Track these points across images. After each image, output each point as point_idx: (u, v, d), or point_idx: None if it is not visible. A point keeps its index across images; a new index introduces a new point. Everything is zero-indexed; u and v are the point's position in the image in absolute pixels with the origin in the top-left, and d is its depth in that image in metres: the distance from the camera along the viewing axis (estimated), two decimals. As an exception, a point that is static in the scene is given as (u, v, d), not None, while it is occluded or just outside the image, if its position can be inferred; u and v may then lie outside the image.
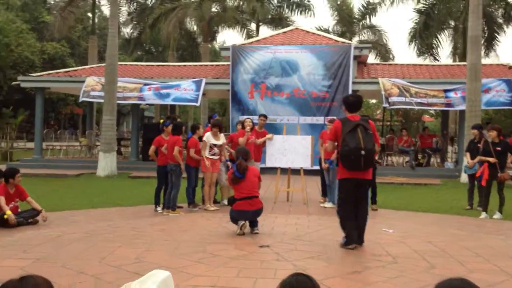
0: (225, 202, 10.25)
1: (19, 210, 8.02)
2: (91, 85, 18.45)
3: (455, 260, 5.95)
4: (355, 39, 32.49)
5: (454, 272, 5.25)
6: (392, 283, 4.96)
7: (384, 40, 33.95)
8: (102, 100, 17.43)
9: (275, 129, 16.67)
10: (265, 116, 11.62)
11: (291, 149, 10.68)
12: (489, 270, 5.54)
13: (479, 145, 10.12)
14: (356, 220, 6.43)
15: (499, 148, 9.38)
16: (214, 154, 9.65)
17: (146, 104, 23.11)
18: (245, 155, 7.47)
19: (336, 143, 6.59)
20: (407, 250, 6.43)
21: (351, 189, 6.43)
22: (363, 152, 6.19)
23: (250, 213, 7.17)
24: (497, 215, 9.32)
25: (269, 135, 10.96)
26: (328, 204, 10.24)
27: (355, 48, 18.25)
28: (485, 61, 22.24)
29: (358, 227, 6.44)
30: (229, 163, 10.07)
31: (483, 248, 6.59)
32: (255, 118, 17.35)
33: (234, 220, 7.27)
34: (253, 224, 7.30)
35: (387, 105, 17.26)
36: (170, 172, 9.23)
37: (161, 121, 10.11)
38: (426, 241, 6.96)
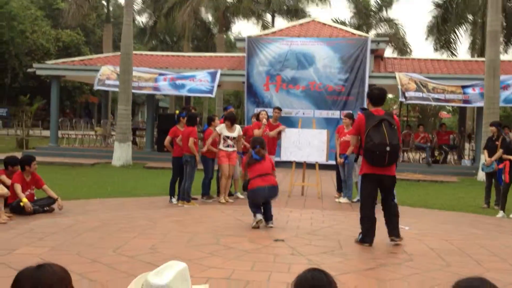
0: (239, 194, 10.26)
1: (35, 198, 8.07)
2: (106, 73, 18.50)
3: (471, 258, 5.89)
4: (372, 32, 32.24)
5: (470, 271, 5.19)
6: (407, 280, 4.92)
7: (402, 34, 33.61)
8: (117, 89, 17.50)
9: (291, 122, 16.61)
10: (280, 109, 11.58)
11: (306, 143, 10.61)
12: (505, 269, 5.49)
13: (497, 142, 9.98)
14: (387, 216, 6.33)
15: None
16: (228, 146, 9.62)
17: (161, 94, 23.15)
18: (261, 144, 7.52)
19: (359, 138, 6.42)
20: (423, 247, 6.36)
21: (373, 185, 6.30)
22: (388, 148, 6.01)
23: (266, 189, 7.12)
24: None
25: (281, 127, 10.88)
26: (343, 200, 10.18)
27: (372, 41, 18.06)
28: (504, 57, 21.92)
29: (391, 223, 6.30)
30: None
31: (499, 248, 6.52)
32: (270, 111, 17.31)
33: (253, 205, 7.20)
34: (268, 218, 7.29)
35: (403, 99, 17.11)
36: (185, 164, 9.21)
37: (177, 112, 10.11)
38: (442, 239, 6.89)
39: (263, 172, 7.21)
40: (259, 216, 7.12)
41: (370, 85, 17.73)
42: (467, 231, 7.66)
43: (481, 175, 13.86)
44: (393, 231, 6.31)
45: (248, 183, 7.27)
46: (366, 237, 6.29)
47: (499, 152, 9.74)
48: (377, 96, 6.44)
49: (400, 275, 5.08)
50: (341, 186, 10.52)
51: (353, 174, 10.21)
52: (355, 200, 10.23)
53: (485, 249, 6.40)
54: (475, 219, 8.88)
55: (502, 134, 10.32)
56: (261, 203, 7.25)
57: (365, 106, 16.18)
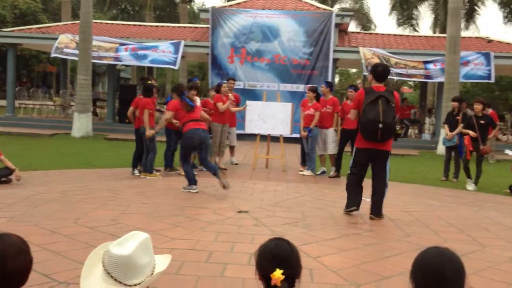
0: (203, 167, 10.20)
1: (-9, 168, 7.82)
2: (64, 42, 17.95)
3: (429, 229, 6.04)
4: (337, 7, 32.23)
5: (428, 241, 5.31)
6: (367, 250, 5.00)
7: (366, 9, 33.77)
8: (76, 58, 17.02)
9: (255, 95, 16.60)
10: (234, 79, 11.58)
11: (271, 116, 10.62)
12: (462, 240, 5.63)
13: (458, 117, 10.22)
14: (359, 193, 6.49)
15: (483, 122, 9.51)
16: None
17: (123, 65, 22.66)
18: (185, 88, 8.36)
19: (359, 112, 6.45)
20: (383, 218, 6.48)
21: (365, 158, 6.42)
22: (380, 126, 6.10)
23: (200, 131, 7.70)
24: (471, 187, 9.49)
25: (244, 106, 10.97)
26: (307, 172, 10.25)
27: (337, 15, 18.09)
28: (465, 33, 22.33)
29: (374, 201, 6.41)
30: None
31: (456, 219, 6.70)
32: (236, 84, 17.17)
33: (187, 151, 7.82)
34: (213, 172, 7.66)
35: (367, 73, 17.26)
36: (142, 135, 9.07)
37: (149, 82, 9.86)
38: (402, 210, 7.04)
39: (196, 118, 7.84)
40: (195, 188, 7.65)
41: (334, 59, 17.83)
42: (426, 202, 7.85)
43: (441, 149, 14.23)
44: (373, 208, 6.41)
45: (182, 127, 7.90)
46: (349, 202, 6.49)
47: (460, 126, 10.00)
48: (380, 72, 6.49)
49: (360, 245, 5.17)
50: (305, 159, 10.59)
51: (317, 147, 10.29)
52: (318, 172, 10.34)
53: (443, 220, 6.57)
54: (434, 191, 9.11)
55: (463, 109, 10.57)
56: (195, 148, 7.83)
57: (330, 79, 16.36)
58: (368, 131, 6.21)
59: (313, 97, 10.16)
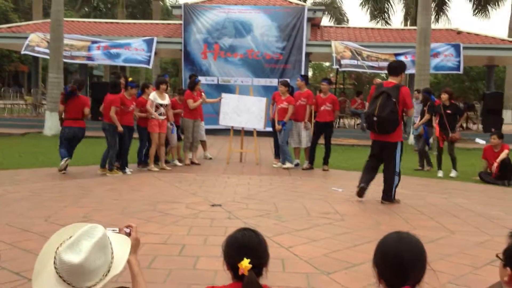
0: (176, 162, 10.19)
1: (-40, 169, 7.69)
2: (35, 41, 17.70)
3: (400, 217, 6.15)
4: (309, 1, 32.35)
5: (398, 229, 5.32)
6: (338, 239, 5.07)
7: (338, 3, 33.96)
8: (47, 57, 16.79)
9: (229, 90, 16.57)
10: (196, 75, 11.54)
11: (245, 110, 10.65)
12: (431, 226, 5.75)
13: (425, 108, 10.46)
14: (371, 173, 7.10)
15: (449, 111, 9.72)
16: (160, 114, 9.47)
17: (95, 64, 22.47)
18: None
19: None
20: (354, 208, 6.60)
21: (377, 150, 7.04)
22: (375, 119, 6.69)
23: (76, 129, 8.87)
24: (453, 173, 9.76)
25: (216, 99, 11.13)
26: (287, 164, 10.24)
27: (309, 10, 18.20)
28: (435, 26, 22.66)
29: (383, 188, 7.01)
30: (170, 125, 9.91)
31: (426, 206, 6.84)
32: (209, 79, 17.25)
33: (63, 141, 8.77)
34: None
35: (337, 67, 17.45)
36: (104, 132, 9.02)
37: (130, 79, 9.80)
38: (374, 199, 7.15)
39: (75, 116, 8.86)
40: (65, 158, 8.72)
41: (307, 53, 17.93)
42: (397, 191, 7.94)
43: (412, 139, 14.44)
44: (383, 195, 7.01)
45: (63, 121, 8.96)
46: (360, 180, 7.09)
47: (426, 116, 10.27)
48: (389, 67, 7.05)
49: (331, 234, 5.23)
50: (279, 152, 10.63)
51: (292, 140, 10.33)
52: (294, 163, 10.36)
53: (414, 208, 6.70)
54: (406, 180, 9.18)
55: (431, 100, 10.77)
56: (70, 139, 8.90)
57: (303, 73, 16.43)
58: (368, 124, 6.93)
59: (285, 91, 10.20)
